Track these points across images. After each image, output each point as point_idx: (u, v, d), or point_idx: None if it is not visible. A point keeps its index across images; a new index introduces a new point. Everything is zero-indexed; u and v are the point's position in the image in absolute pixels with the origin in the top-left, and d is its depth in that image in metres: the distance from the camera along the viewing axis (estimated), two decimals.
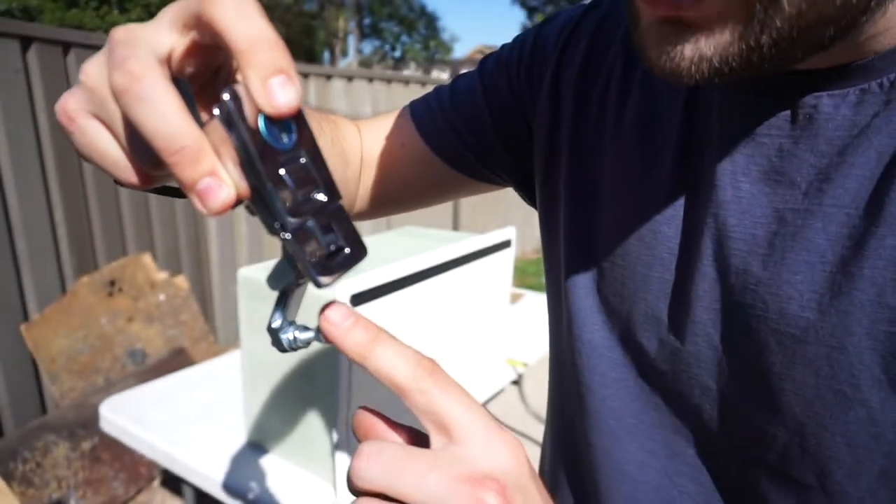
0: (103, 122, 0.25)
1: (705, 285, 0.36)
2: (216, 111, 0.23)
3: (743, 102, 0.35)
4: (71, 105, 0.25)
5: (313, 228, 0.26)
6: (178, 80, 0.25)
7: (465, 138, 0.54)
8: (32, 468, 1.83)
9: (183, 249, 2.90)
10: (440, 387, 0.26)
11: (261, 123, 0.23)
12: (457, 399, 0.26)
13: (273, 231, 0.26)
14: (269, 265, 1.09)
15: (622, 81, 0.43)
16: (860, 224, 0.30)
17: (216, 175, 0.23)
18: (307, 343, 0.31)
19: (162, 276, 2.56)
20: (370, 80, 3.94)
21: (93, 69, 0.25)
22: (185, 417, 1.28)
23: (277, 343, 0.31)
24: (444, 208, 4.82)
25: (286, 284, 0.29)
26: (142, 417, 1.28)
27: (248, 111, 0.23)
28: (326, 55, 20.71)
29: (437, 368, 0.27)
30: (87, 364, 2.25)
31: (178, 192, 0.31)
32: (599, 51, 0.45)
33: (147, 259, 2.53)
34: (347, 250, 0.27)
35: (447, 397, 0.26)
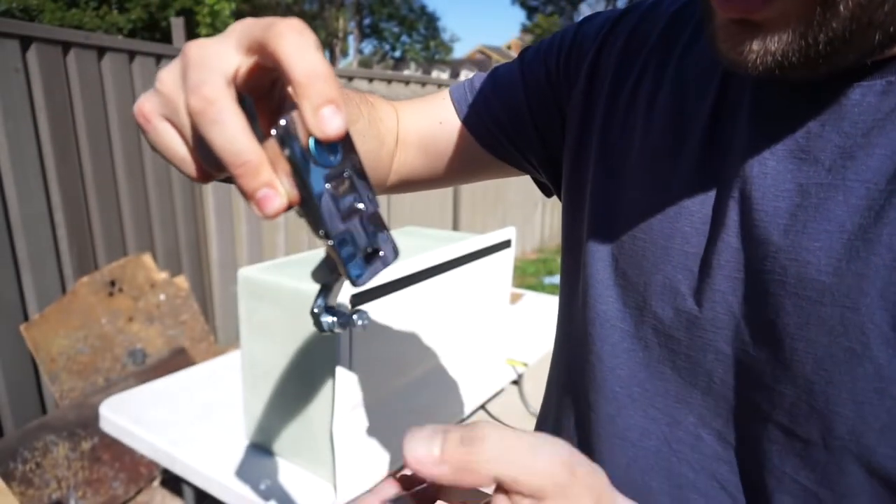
0: (175, 125, 0.29)
1: (727, 255, 0.39)
2: (273, 132, 0.27)
3: (776, 90, 0.38)
4: (147, 107, 0.29)
5: (353, 234, 0.30)
6: (244, 99, 0.29)
7: (502, 123, 0.58)
8: (32, 468, 1.83)
9: (183, 249, 2.91)
10: (478, 457, 0.25)
11: (311, 144, 0.28)
12: (505, 460, 0.25)
13: (319, 236, 0.29)
14: (268, 265, 1.09)
15: (656, 75, 0.47)
16: (880, 197, 0.33)
17: (273, 186, 0.27)
18: (344, 327, 0.35)
19: (162, 276, 2.56)
20: (370, 80, 3.94)
21: (168, 79, 0.29)
22: (185, 417, 1.28)
23: (318, 325, 0.35)
24: (444, 208, 4.82)
25: (327, 280, 0.33)
26: (142, 417, 1.28)
27: (301, 133, 0.28)
28: (327, 55, 20.69)
29: (468, 438, 0.26)
30: (87, 364, 2.25)
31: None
32: (634, 50, 0.49)
33: (147, 259, 2.53)
34: (382, 253, 0.31)
35: (493, 464, 0.25)
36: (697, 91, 0.43)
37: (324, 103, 0.26)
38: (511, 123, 0.57)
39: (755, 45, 0.32)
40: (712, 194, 0.41)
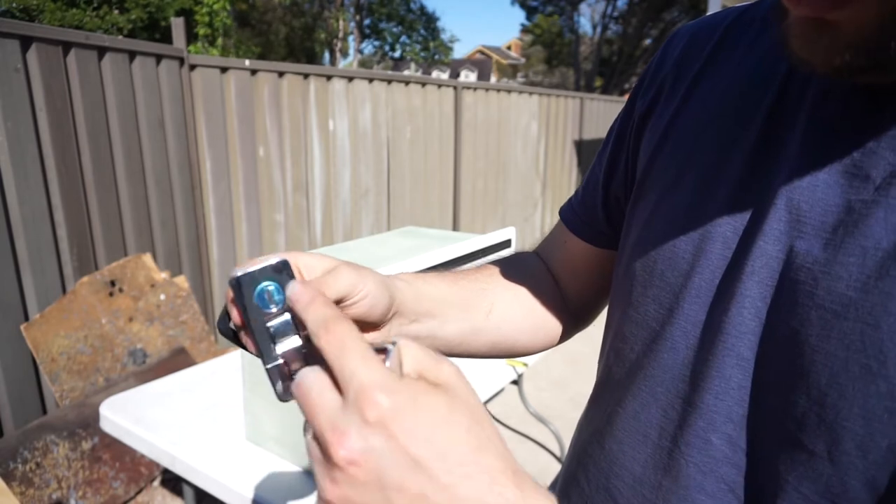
0: None
1: (762, 262, 0.39)
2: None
3: (839, 103, 0.38)
4: None
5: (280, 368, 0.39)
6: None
7: (605, 233, 0.63)
8: (32, 468, 1.83)
9: (183, 249, 2.91)
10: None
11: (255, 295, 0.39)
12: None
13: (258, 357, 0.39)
14: None
15: (717, 71, 0.48)
16: None
17: None
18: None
19: (162, 276, 2.56)
20: (370, 80, 3.94)
21: None
22: (185, 417, 1.28)
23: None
24: (444, 208, 4.81)
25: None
26: (142, 417, 1.28)
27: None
28: (327, 56, 20.70)
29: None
30: (88, 364, 2.25)
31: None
32: (698, 47, 0.52)
33: (148, 259, 2.53)
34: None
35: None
36: (755, 94, 0.44)
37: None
38: (611, 228, 0.62)
39: (825, 45, 0.32)
40: (758, 200, 0.41)
